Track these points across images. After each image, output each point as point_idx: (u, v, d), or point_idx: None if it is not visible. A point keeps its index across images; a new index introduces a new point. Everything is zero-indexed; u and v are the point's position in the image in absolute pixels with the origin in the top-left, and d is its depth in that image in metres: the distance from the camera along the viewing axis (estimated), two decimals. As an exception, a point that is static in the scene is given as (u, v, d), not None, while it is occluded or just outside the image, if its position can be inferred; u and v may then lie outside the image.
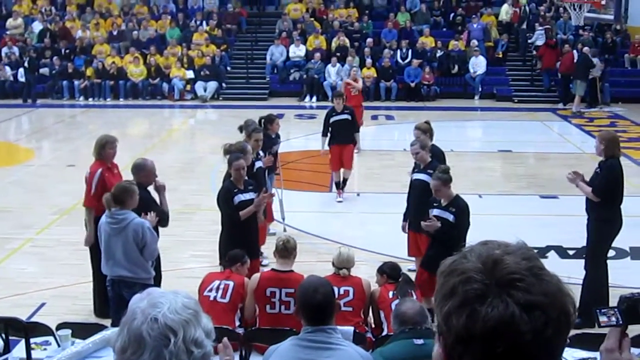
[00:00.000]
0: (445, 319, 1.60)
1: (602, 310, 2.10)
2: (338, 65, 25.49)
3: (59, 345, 6.16)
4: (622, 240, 9.01)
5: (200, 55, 26.46)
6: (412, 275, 8.05)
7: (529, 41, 27.43)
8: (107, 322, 7.53)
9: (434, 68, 26.13)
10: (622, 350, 2.08)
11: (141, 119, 24.02)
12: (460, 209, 7.87)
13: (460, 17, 28.29)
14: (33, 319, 7.97)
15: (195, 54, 26.65)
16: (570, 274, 8.09)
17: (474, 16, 27.88)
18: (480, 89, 26.00)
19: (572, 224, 10.52)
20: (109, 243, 7.15)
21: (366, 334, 6.75)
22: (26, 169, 16.43)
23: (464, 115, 23.58)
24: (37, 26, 28.51)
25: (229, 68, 27.39)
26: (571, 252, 10.57)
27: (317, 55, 26.04)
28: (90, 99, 25.99)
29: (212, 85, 25.83)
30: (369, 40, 26.72)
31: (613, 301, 3.02)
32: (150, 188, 8.14)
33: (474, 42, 26.47)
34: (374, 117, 22.19)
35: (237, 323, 6.98)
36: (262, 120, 11.26)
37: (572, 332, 1.62)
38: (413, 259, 9.37)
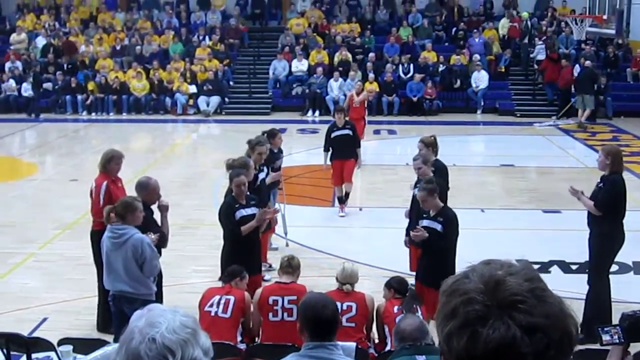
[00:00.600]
0: (446, 339, 1.59)
1: (605, 329, 2.10)
2: (340, 80, 25.55)
3: (60, 361, 6.14)
4: (625, 255, 8.98)
5: (203, 70, 26.53)
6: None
7: (531, 55, 27.48)
8: (110, 337, 7.51)
9: (436, 82, 26.18)
10: None
11: (144, 134, 24.06)
12: (448, 218, 7.91)
13: (462, 31, 28.37)
14: (35, 334, 7.96)
15: (198, 69, 26.73)
16: (573, 289, 8.07)
17: (475, 31, 27.97)
18: (482, 103, 26.03)
19: (574, 238, 10.48)
20: (109, 257, 7.14)
21: (369, 350, 6.74)
22: (29, 183, 16.45)
23: (466, 129, 23.59)
24: (40, 41, 28.64)
25: (231, 83, 27.46)
26: (574, 267, 10.54)
27: (320, 69, 26.10)
28: (93, 114, 26.04)
29: (215, 99, 25.89)
30: (371, 54, 26.79)
31: (616, 316, 3.01)
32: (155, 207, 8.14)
33: (476, 56, 26.53)
34: (377, 132, 22.23)
35: (239, 338, 6.96)
36: (265, 135, 11.29)
37: (575, 348, 1.61)
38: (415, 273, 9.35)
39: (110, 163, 8.53)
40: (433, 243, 7.83)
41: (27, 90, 26.14)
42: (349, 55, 26.91)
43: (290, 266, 7.27)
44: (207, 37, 28.43)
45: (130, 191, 8.21)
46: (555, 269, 10.54)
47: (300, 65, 26.83)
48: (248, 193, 8.66)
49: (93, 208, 8.55)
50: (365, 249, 11.51)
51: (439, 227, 7.87)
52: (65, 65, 27.34)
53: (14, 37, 28.75)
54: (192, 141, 23.51)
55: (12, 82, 26.37)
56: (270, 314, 6.85)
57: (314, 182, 16.18)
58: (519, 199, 14.81)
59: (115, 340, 6.88)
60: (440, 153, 10.21)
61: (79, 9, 31.33)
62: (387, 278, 7.63)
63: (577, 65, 25.32)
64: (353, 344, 6.07)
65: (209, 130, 25.16)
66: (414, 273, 9.28)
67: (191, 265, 10.80)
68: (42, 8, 31.15)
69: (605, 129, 23.38)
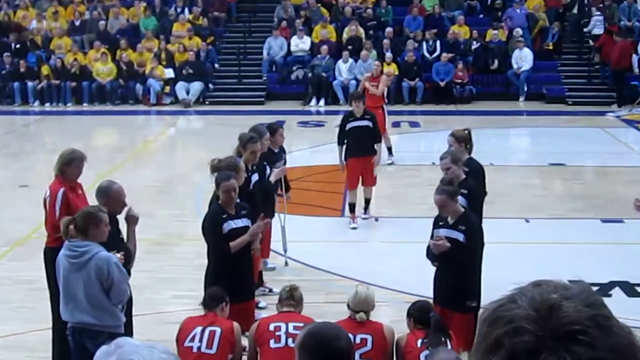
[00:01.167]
0: None
1: None
2: (350, 61, 25.56)
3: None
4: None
5: (182, 50, 26.56)
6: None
7: (585, 30, 27.45)
8: (68, 379, 7.51)
9: (469, 63, 26.17)
10: None
11: (109, 128, 24.07)
12: (471, 226, 7.96)
13: (500, 0, 28.35)
14: (-23, 376, 7.97)
15: (176, 49, 26.76)
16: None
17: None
18: (525, 89, 26.02)
19: (641, 254, 10.49)
20: (68, 281, 7.11)
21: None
22: (-31, 190, 16.47)
23: (507, 121, 23.56)
24: (-18, 16, 28.74)
25: (216, 65, 27.49)
26: (641, 289, 10.54)
27: (325, 48, 26.12)
28: (48, 104, 26.10)
29: (197, 86, 25.92)
30: (389, 30, 26.79)
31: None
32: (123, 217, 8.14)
33: (518, 31, 26.50)
34: (396, 124, 22.20)
35: (228, 379, 6.96)
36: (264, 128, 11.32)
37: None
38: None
39: (70, 166, 8.53)
40: (454, 257, 7.86)
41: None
42: (361, 31, 26.91)
43: (293, 298, 7.25)
44: (186, 10, 28.49)
45: (93, 200, 8.21)
46: (617, 291, 10.50)
47: (301, 44, 26.85)
48: (238, 201, 8.66)
49: (47, 221, 8.54)
50: (383, 269, 11.49)
51: (461, 237, 7.90)
52: (12, 45, 27.38)
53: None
54: (168, 137, 23.52)
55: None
56: (272, 341, 6.82)
57: (320, 186, 16.17)
58: (572, 205, 14.78)
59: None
60: (475, 150, 10.19)
61: (29, -24, 31.44)
62: (409, 304, 7.61)
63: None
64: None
65: (190, 124, 25.17)
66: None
67: (169, 290, 10.79)
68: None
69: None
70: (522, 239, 12.48)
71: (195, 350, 6.88)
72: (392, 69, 25.22)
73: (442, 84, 25.57)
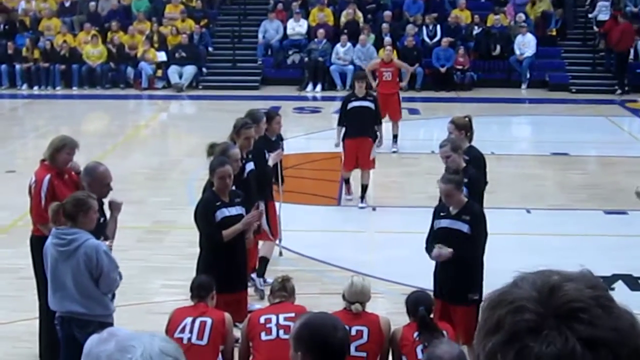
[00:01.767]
0: (489, 358, 1.60)
1: None
2: (349, 45, 25.53)
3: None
4: None
5: (175, 33, 26.50)
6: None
7: (590, 15, 27.43)
8: (56, 370, 7.52)
9: (470, 49, 26.14)
10: None
11: (100, 113, 24.04)
12: (476, 216, 7.97)
13: (503, -16, 28.34)
14: (-38, 366, 7.97)
15: (169, 31, 26.70)
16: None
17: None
18: (528, 76, 26.02)
19: (645, 246, 10.51)
20: (56, 270, 7.11)
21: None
22: (-46, 175, 16.45)
23: (508, 108, 23.57)
24: (-32, -4, 28.66)
25: (210, 49, 27.43)
26: (644, 283, 10.57)
27: (322, 32, 26.07)
28: (36, 88, 26.04)
29: (190, 70, 25.88)
30: (387, 13, 26.75)
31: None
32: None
33: (521, 16, 26.48)
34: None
35: (220, 371, 6.98)
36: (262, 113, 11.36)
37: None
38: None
39: (61, 152, 8.50)
40: (459, 249, 7.86)
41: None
42: (360, 14, 26.86)
43: (285, 289, 7.26)
44: (179, -9, 28.42)
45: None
46: (620, 285, 10.53)
47: (297, 27, 26.80)
48: (233, 188, 8.65)
49: (32, 208, 8.53)
50: (380, 260, 11.51)
51: (465, 227, 7.90)
52: (1, 26, 27.29)
53: None
54: (160, 123, 23.50)
55: None
56: (263, 333, 6.84)
57: (316, 174, 16.17)
58: (575, 196, 14.80)
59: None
60: (475, 138, 10.20)
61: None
62: (406, 296, 7.61)
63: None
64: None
65: (182, 109, 25.13)
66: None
67: (159, 279, 10.80)
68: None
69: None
70: (523, 229, 12.50)
71: (185, 341, 6.88)
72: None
73: (442, 69, 25.54)
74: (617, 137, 20.12)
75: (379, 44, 25.50)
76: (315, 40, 26.15)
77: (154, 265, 11.16)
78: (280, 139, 11.62)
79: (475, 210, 8.06)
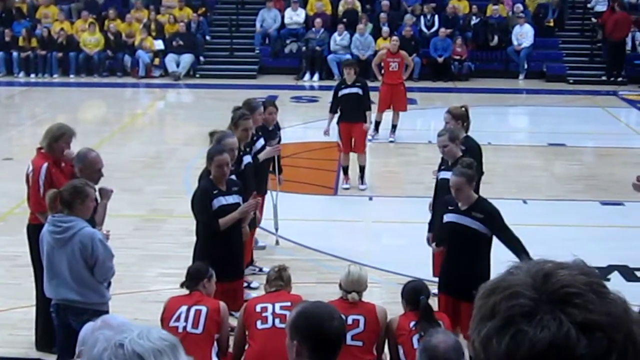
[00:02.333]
0: (484, 343, 1.61)
1: None
2: (346, 34, 25.49)
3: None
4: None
5: (172, 21, 26.46)
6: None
7: (588, 6, 27.40)
8: (52, 357, 7.52)
9: (468, 39, 26.12)
10: None
11: (97, 101, 24.01)
12: (489, 213, 7.88)
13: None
14: (-42, 353, 7.98)
15: (166, 20, 26.66)
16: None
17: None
18: (526, 66, 26.01)
19: (641, 237, 10.53)
20: (51, 257, 7.12)
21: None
22: (-49, 163, 16.44)
23: (506, 99, 23.57)
24: (-34, -17, 28.59)
25: (208, 37, 27.40)
26: (640, 274, 10.59)
27: (319, 21, 26.05)
28: (33, 75, 26.00)
29: (187, 59, 25.85)
30: (385, 2, 26.70)
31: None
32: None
33: (519, 6, 26.46)
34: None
35: (215, 359, 6.98)
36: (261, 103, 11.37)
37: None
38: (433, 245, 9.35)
39: (59, 141, 8.48)
40: (466, 246, 7.82)
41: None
42: (357, 4, 26.82)
43: (281, 279, 7.28)
44: (177, -21, 28.36)
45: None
46: (615, 276, 10.56)
47: (295, 16, 26.77)
48: (233, 177, 8.65)
49: (30, 197, 8.52)
50: (377, 249, 11.52)
51: (477, 225, 7.83)
52: (-3, 14, 27.26)
53: None
54: (157, 111, 23.47)
55: None
56: (259, 322, 6.85)
57: (312, 163, 16.17)
58: (571, 187, 14.81)
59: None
60: (472, 128, 10.20)
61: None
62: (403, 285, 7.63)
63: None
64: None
65: (180, 97, 25.10)
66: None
67: (156, 268, 10.80)
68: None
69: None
70: (520, 220, 12.42)
71: (180, 330, 6.89)
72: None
73: (439, 60, 25.52)
74: (614, 128, 20.13)
75: (376, 34, 25.51)
76: (313, 29, 26.13)
77: (151, 254, 11.17)
78: (277, 128, 11.63)
79: (488, 208, 7.95)
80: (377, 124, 17.46)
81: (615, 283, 10.12)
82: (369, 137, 14.93)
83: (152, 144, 18.09)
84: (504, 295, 1.61)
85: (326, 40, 25.87)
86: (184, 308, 7.04)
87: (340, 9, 26.93)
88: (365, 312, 6.92)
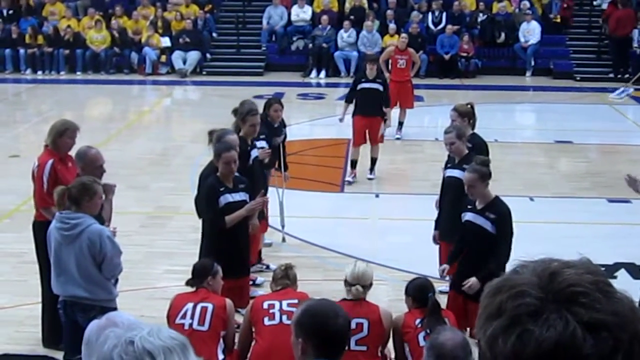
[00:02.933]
0: (489, 342, 1.61)
1: None
2: (352, 31, 25.45)
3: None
4: None
5: (179, 18, 26.46)
6: (444, 299, 8.04)
7: (595, 2, 27.34)
8: (59, 354, 7.53)
9: (475, 36, 26.08)
10: None
11: (103, 98, 24.03)
12: (501, 215, 7.80)
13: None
14: (-35, 350, 7.99)
15: (173, 17, 26.66)
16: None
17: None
18: (533, 63, 25.97)
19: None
20: (59, 254, 7.13)
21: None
22: (-42, 160, 16.46)
23: (512, 96, 23.55)
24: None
25: (214, 34, 27.40)
26: (647, 272, 10.56)
27: (326, 18, 26.03)
28: (40, 72, 26.02)
29: (194, 56, 25.85)
30: (392, 0, 26.67)
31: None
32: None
33: (525, 3, 26.41)
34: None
35: (221, 356, 6.99)
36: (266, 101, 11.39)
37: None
38: (447, 278, 9.35)
39: (63, 137, 8.50)
40: (480, 246, 7.78)
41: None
42: (364, 1, 26.80)
43: (288, 277, 7.28)
44: (184, -24, 28.36)
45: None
46: (622, 273, 10.54)
47: (302, 13, 26.75)
48: (237, 174, 8.64)
49: (36, 193, 8.54)
50: (383, 246, 11.52)
51: (488, 225, 7.80)
52: (4, 12, 27.26)
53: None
54: (164, 108, 23.49)
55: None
56: (266, 318, 6.86)
57: (319, 161, 16.17)
58: (578, 184, 14.79)
59: (66, 358, 6.92)
60: (478, 125, 10.19)
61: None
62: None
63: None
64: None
65: (186, 95, 25.11)
66: (446, 277, 9.30)
67: (163, 265, 10.81)
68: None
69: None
70: (526, 217, 12.45)
71: (187, 327, 6.89)
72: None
73: (446, 57, 25.49)
74: (621, 126, 20.10)
75: (383, 31, 25.48)
76: (320, 26, 26.11)
77: (158, 251, 11.18)
78: (283, 125, 11.63)
79: (502, 209, 7.88)
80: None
81: (622, 281, 10.11)
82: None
83: (158, 141, 18.11)
84: (510, 295, 1.61)
85: (333, 37, 25.86)
86: (190, 305, 7.05)
87: (347, 5, 26.91)
88: (369, 314, 6.83)
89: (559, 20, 27.16)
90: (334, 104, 21.58)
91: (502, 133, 17.31)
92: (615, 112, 21.39)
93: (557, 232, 11.88)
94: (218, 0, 28.52)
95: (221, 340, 7.07)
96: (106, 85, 24.91)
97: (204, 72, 26.12)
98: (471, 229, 7.91)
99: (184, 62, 25.75)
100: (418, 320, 6.84)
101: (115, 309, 6.87)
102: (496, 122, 18.44)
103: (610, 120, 20.47)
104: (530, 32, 25.87)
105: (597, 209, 13.41)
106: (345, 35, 25.56)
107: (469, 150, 9.14)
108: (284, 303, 6.90)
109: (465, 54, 25.63)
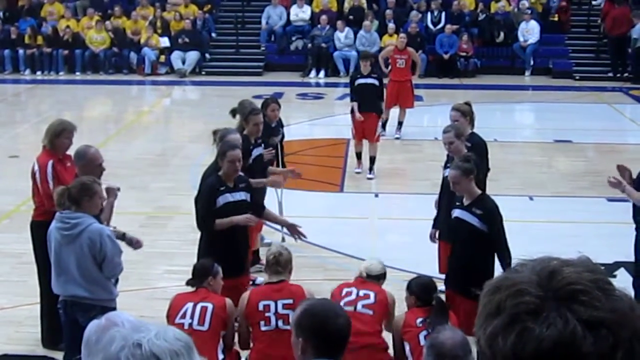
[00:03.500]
0: (489, 341, 1.61)
1: None
2: (349, 30, 25.44)
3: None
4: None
5: (178, 18, 26.46)
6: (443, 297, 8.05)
7: (594, 2, 27.35)
8: (59, 354, 7.53)
9: (474, 36, 26.09)
10: None
11: (103, 98, 24.03)
12: (488, 210, 7.74)
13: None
14: (-35, 350, 7.99)
15: (172, 17, 26.66)
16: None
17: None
18: (532, 63, 25.99)
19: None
20: (59, 254, 7.13)
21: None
22: (-43, 160, 16.46)
23: (512, 95, 23.55)
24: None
25: (213, 34, 27.40)
26: (646, 270, 10.54)
27: (325, 18, 26.04)
28: (39, 73, 26.03)
29: (193, 56, 25.85)
30: (391, 0, 26.69)
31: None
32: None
33: (524, 3, 26.41)
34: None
35: (221, 356, 6.99)
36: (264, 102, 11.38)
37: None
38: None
39: (60, 137, 8.51)
40: (469, 242, 7.79)
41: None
42: (363, 1, 26.80)
43: (279, 263, 7.24)
44: (183, -23, 28.36)
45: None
46: (622, 272, 10.55)
47: (301, 13, 26.76)
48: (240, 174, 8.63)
49: (37, 194, 8.54)
50: (383, 246, 11.50)
51: (474, 221, 7.79)
52: (2, 13, 27.25)
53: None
54: (163, 108, 23.48)
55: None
56: (262, 323, 6.87)
57: (318, 160, 16.16)
58: (578, 183, 14.79)
59: (66, 358, 6.92)
60: (477, 125, 10.19)
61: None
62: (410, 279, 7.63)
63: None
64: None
65: (185, 95, 25.11)
66: (444, 276, 9.30)
67: (163, 265, 10.81)
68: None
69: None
70: (526, 216, 12.48)
71: (186, 327, 6.88)
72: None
73: (445, 56, 25.49)
74: (621, 125, 20.11)
75: (382, 31, 25.48)
76: (319, 26, 26.12)
77: (157, 251, 11.16)
78: (280, 125, 11.62)
79: (488, 205, 7.82)
80: (384, 121, 17.46)
81: (622, 280, 10.12)
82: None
83: (158, 142, 18.11)
84: (510, 293, 1.61)
85: (332, 37, 25.87)
86: (189, 305, 7.05)
87: (346, 5, 26.92)
88: (376, 289, 7.27)
89: (556, 18, 27.14)
90: (333, 103, 21.61)
91: (502, 132, 17.32)
92: (614, 111, 21.39)
93: (557, 231, 11.88)
94: (217, 0, 28.53)
95: (221, 340, 7.07)
96: (105, 85, 24.92)
97: (203, 72, 26.13)
98: (460, 225, 7.91)
99: (183, 62, 25.76)
100: (420, 319, 6.84)
101: (115, 308, 6.87)
102: (495, 121, 18.46)
103: (609, 120, 20.48)
104: (529, 32, 25.88)
105: (596, 208, 13.40)
106: (342, 37, 25.55)
107: (468, 150, 9.14)
108: (279, 304, 6.91)
109: (464, 54, 25.64)
